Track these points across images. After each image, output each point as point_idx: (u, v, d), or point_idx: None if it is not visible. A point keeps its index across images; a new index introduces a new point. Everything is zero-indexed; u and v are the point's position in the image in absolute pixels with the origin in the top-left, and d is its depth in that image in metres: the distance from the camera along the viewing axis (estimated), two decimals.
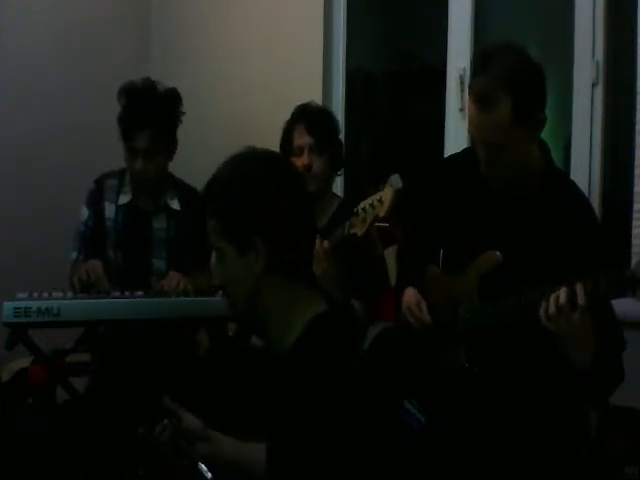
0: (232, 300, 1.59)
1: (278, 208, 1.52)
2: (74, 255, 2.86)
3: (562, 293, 1.82)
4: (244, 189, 1.52)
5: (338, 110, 3.53)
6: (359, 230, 2.24)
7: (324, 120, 2.76)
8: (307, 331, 1.50)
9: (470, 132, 2.08)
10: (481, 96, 1.95)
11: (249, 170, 1.55)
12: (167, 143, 2.81)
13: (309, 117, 2.73)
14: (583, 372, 1.91)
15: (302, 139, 2.68)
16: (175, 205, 2.87)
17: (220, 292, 1.71)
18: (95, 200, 2.88)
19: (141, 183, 2.82)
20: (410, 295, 2.22)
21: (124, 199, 2.87)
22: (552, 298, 1.83)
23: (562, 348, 1.89)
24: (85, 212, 2.89)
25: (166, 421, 1.53)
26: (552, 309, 1.82)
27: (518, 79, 1.95)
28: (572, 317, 1.81)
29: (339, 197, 2.93)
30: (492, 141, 1.99)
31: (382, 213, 2.17)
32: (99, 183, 2.91)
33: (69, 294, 2.57)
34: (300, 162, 2.66)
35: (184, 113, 2.84)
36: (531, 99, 1.98)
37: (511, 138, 1.98)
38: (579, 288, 1.81)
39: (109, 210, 2.87)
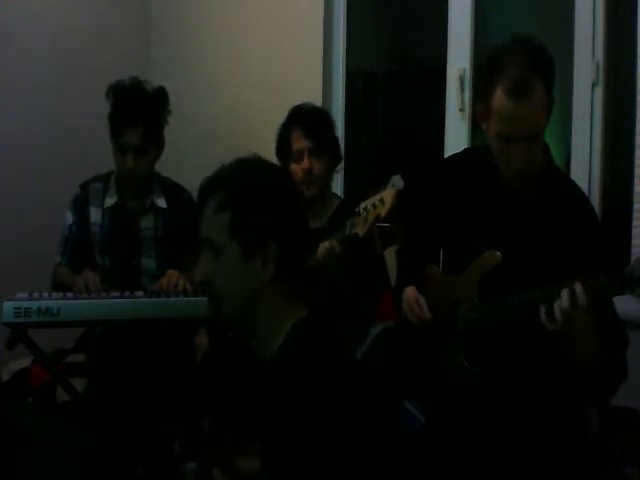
0: (222, 300, 1.52)
1: (292, 216, 1.50)
2: (57, 259, 2.87)
3: (564, 296, 1.81)
4: (266, 192, 1.48)
5: (338, 110, 3.54)
6: (360, 230, 2.25)
7: (320, 121, 2.75)
8: (290, 336, 1.48)
9: (503, 132, 1.99)
10: (518, 84, 1.93)
11: (272, 177, 1.52)
12: (156, 141, 2.81)
13: (305, 120, 2.72)
14: (585, 371, 1.91)
15: (300, 143, 2.68)
16: (162, 203, 2.87)
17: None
18: (80, 205, 2.88)
19: (129, 182, 2.82)
20: (410, 293, 2.22)
21: (110, 201, 2.86)
22: (556, 304, 1.82)
23: (563, 347, 1.89)
24: (70, 217, 2.88)
25: (191, 464, 1.50)
26: (557, 314, 1.81)
27: (542, 60, 1.99)
28: (574, 317, 1.81)
29: (339, 197, 2.93)
30: (534, 127, 1.98)
31: (383, 213, 2.17)
32: (84, 188, 2.90)
33: (69, 294, 2.57)
34: (300, 167, 2.66)
35: (171, 112, 2.84)
36: (553, 78, 2.01)
37: (545, 122, 2.00)
38: (578, 287, 1.81)
39: (95, 215, 2.86)
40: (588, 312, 1.82)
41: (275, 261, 1.46)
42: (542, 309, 1.85)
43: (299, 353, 1.45)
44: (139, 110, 2.72)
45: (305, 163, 2.66)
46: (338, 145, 2.80)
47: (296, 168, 2.67)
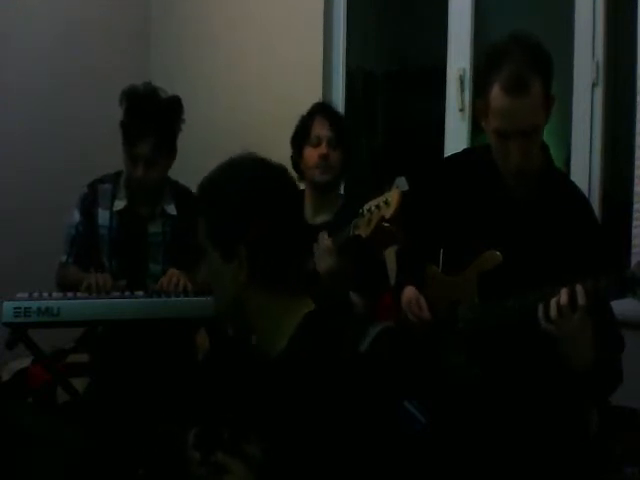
0: (215, 299, 1.60)
1: (267, 222, 1.51)
2: (63, 258, 2.84)
3: (563, 294, 1.82)
4: (236, 199, 1.51)
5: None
6: (364, 232, 2.24)
7: (342, 120, 2.82)
8: (298, 331, 1.50)
9: (500, 128, 2.00)
10: (515, 81, 1.94)
11: (245, 179, 1.54)
12: (168, 151, 2.79)
13: (331, 113, 2.79)
14: (583, 373, 1.91)
15: (323, 130, 2.72)
16: (172, 210, 2.85)
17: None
18: (88, 206, 2.84)
19: (140, 190, 2.81)
20: (409, 293, 2.22)
21: (119, 205, 2.83)
22: (553, 301, 1.83)
23: (562, 349, 1.89)
24: (77, 216, 2.84)
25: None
26: (553, 312, 1.83)
27: (539, 57, 2.00)
28: (572, 318, 1.82)
29: (342, 195, 2.96)
30: (531, 124, 1.98)
31: (388, 215, 2.17)
32: (92, 188, 2.87)
33: (69, 294, 2.57)
34: (318, 151, 2.69)
35: (184, 121, 2.83)
36: (551, 75, 2.01)
37: (543, 118, 2.01)
38: (579, 289, 1.81)
39: (102, 217, 2.83)
40: (587, 314, 1.83)
41: (247, 264, 1.50)
42: (540, 308, 1.86)
43: (306, 351, 1.46)
44: (152, 121, 2.68)
45: (323, 148, 2.69)
46: (350, 151, 2.81)
47: (312, 152, 2.70)
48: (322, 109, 2.80)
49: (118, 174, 2.88)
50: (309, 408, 1.39)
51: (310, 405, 1.39)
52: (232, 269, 1.51)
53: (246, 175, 1.55)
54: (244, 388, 1.65)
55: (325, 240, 2.35)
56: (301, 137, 2.76)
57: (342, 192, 3.37)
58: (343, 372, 1.43)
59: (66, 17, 3.59)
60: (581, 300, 1.81)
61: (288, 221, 1.55)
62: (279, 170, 1.60)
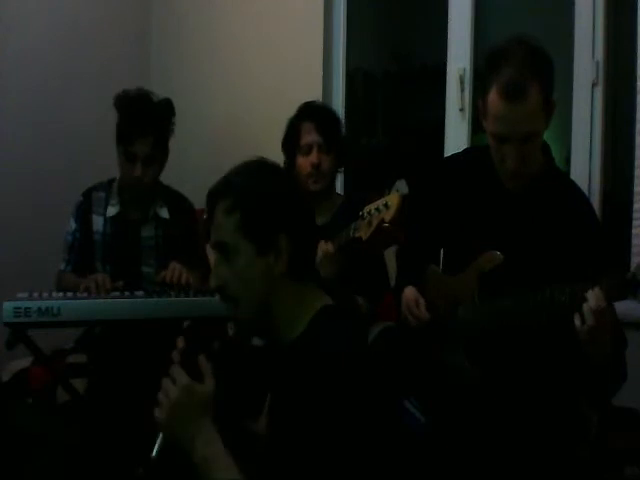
0: (239, 301, 1.55)
1: (300, 209, 1.55)
2: (62, 266, 2.86)
3: (598, 299, 1.80)
4: (272, 191, 1.53)
5: (338, 110, 3.53)
6: (364, 234, 2.25)
7: (331, 119, 2.76)
8: (312, 323, 1.51)
9: (496, 132, 2.00)
10: (512, 87, 1.93)
11: (270, 172, 1.58)
12: (163, 151, 2.82)
13: (317, 116, 2.73)
14: (597, 370, 1.90)
15: (311, 137, 2.68)
16: (164, 214, 2.87)
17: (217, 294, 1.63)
18: (83, 213, 2.87)
19: (134, 190, 2.81)
20: (409, 293, 2.22)
21: (112, 211, 2.85)
22: (586, 309, 1.81)
23: (585, 350, 1.88)
24: (73, 224, 2.88)
25: None
26: (590, 318, 1.81)
27: (540, 63, 1.98)
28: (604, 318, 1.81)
29: (341, 195, 2.94)
30: (528, 130, 1.97)
31: (388, 218, 2.17)
32: (86, 196, 2.90)
33: (69, 294, 2.57)
34: (309, 161, 2.66)
35: (175, 124, 2.85)
36: (551, 81, 2.00)
37: (542, 124, 2.00)
38: (598, 291, 1.81)
39: (97, 223, 2.86)
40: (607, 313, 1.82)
41: (288, 254, 1.50)
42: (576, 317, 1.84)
43: (319, 340, 1.47)
44: (151, 120, 2.71)
45: (314, 157, 2.66)
46: (345, 145, 2.80)
47: (304, 162, 2.67)
48: (308, 113, 2.74)
49: (110, 182, 2.91)
50: (312, 399, 1.39)
51: (312, 396, 1.39)
52: (267, 262, 1.51)
53: (275, 172, 1.60)
54: (250, 373, 1.67)
55: (325, 245, 2.35)
56: (291, 144, 2.73)
57: (341, 192, 3.38)
58: (350, 364, 1.43)
59: (66, 17, 3.58)
60: (601, 301, 1.80)
61: (308, 212, 1.59)
62: (285, 171, 1.64)
